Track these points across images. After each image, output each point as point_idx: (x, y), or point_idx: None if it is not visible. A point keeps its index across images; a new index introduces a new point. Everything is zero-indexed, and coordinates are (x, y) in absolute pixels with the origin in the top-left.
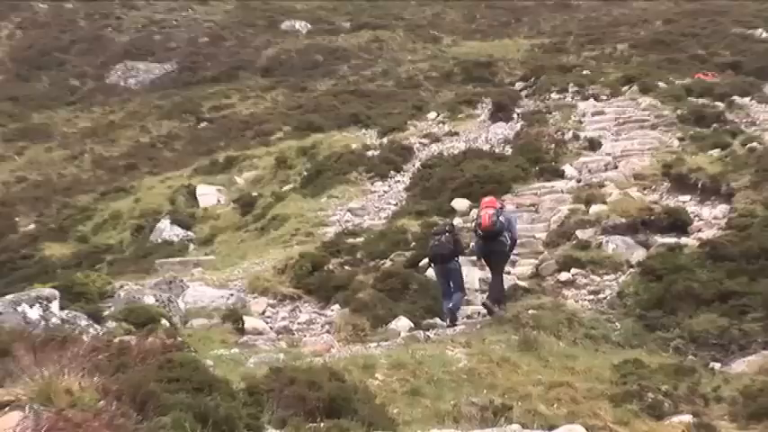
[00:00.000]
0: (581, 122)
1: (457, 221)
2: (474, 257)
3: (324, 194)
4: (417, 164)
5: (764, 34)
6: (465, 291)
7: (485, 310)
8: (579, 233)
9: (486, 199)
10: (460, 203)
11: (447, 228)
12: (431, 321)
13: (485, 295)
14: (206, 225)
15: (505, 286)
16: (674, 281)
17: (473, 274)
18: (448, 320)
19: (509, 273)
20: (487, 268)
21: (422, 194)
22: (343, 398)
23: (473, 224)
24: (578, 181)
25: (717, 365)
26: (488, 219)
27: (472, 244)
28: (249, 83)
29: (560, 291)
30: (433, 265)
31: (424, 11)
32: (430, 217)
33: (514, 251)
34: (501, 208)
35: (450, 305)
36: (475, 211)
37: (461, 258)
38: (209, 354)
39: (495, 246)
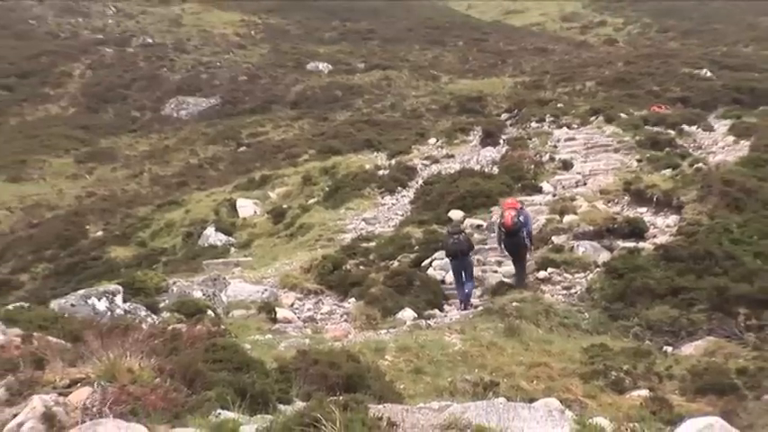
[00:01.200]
0: (556, 147)
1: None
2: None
3: (342, 206)
4: (420, 181)
5: (708, 74)
6: (474, 281)
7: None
8: (555, 239)
9: (509, 200)
10: (456, 214)
11: (461, 229)
12: (431, 312)
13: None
14: (244, 232)
15: (493, 283)
16: (633, 278)
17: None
18: (463, 305)
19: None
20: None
21: (424, 207)
22: (358, 376)
23: (498, 221)
24: (554, 195)
25: (669, 349)
26: (510, 219)
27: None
28: (280, 114)
29: (539, 286)
30: (451, 259)
31: (426, 54)
32: (431, 225)
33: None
34: (521, 208)
35: (466, 291)
36: (490, 212)
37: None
38: (247, 339)
39: (516, 240)
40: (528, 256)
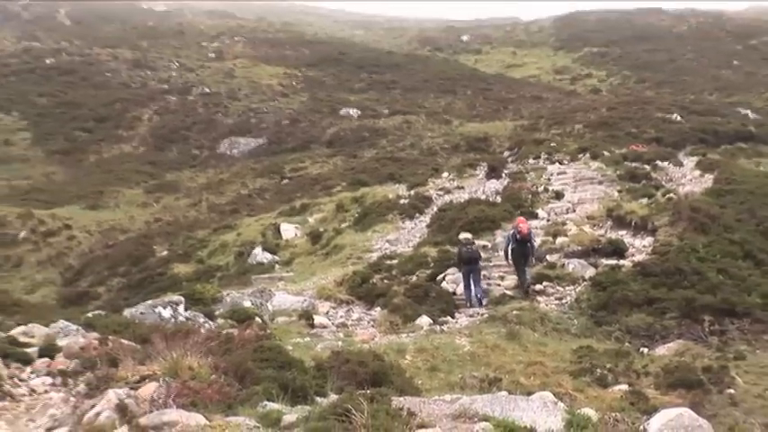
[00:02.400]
0: (549, 180)
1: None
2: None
3: (369, 230)
4: (435, 209)
5: (678, 118)
6: (482, 288)
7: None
8: (548, 257)
9: (521, 218)
10: (465, 235)
11: (473, 242)
12: (444, 319)
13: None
14: (287, 251)
15: (497, 294)
16: (614, 290)
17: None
18: (477, 306)
19: (500, 283)
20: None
21: (438, 230)
22: (383, 372)
23: (512, 233)
24: (548, 220)
25: (645, 350)
26: (526, 229)
27: (500, 241)
28: (317, 152)
29: (535, 297)
30: (463, 265)
31: (440, 101)
32: (444, 246)
33: (502, 268)
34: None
35: (479, 295)
36: (494, 235)
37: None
38: (289, 341)
39: (524, 249)
40: (530, 262)
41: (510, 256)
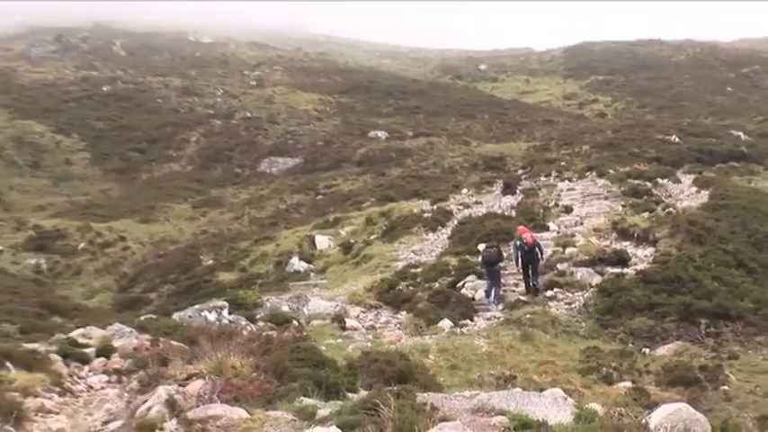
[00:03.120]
0: (559, 195)
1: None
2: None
3: (396, 241)
4: (455, 222)
5: (677, 139)
6: (501, 284)
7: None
8: (559, 266)
9: (521, 227)
10: (482, 246)
11: (495, 245)
12: (464, 322)
13: (538, 282)
14: (321, 261)
15: (512, 300)
16: (619, 296)
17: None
18: (500, 305)
19: (514, 289)
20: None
21: (458, 241)
22: (408, 371)
23: (518, 243)
24: (558, 233)
25: (647, 350)
26: (531, 238)
27: (511, 251)
28: (348, 170)
29: (547, 302)
30: (485, 265)
31: (460, 125)
32: (464, 256)
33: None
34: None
35: (500, 293)
36: (508, 246)
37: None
38: (323, 342)
39: (532, 255)
40: (538, 268)
41: (519, 263)
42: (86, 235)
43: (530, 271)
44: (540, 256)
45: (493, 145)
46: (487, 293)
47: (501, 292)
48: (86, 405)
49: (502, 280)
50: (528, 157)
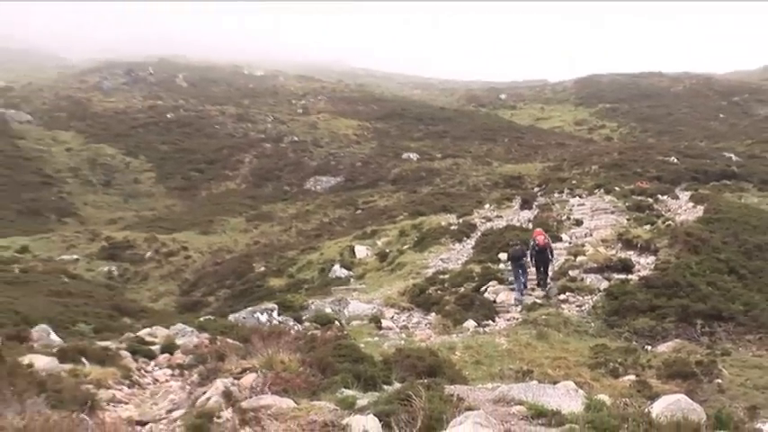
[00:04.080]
0: (571, 210)
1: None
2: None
3: (426, 251)
4: (479, 233)
5: (675, 160)
6: (527, 276)
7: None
8: (570, 272)
9: (537, 230)
10: (503, 255)
11: (519, 243)
12: (486, 322)
13: (550, 282)
14: (360, 268)
15: (529, 302)
16: (624, 299)
17: (508, 295)
18: (520, 293)
19: (530, 293)
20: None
21: (481, 251)
22: (437, 365)
23: (532, 243)
24: (570, 243)
25: (649, 347)
26: (543, 240)
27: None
28: (384, 188)
29: (560, 305)
30: (512, 261)
31: (482, 147)
32: (486, 263)
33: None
34: (545, 237)
35: (524, 286)
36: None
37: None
38: (362, 340)
39: (544, 256)
40: (549, 268)
41: (532, 261)
42: (152, 245)
43: (542, 269)
44: (550, 256)
45: (512, 165)
46: (519, 287)
47: (526, 282)
48: (152, 396)
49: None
50: (543, 176)
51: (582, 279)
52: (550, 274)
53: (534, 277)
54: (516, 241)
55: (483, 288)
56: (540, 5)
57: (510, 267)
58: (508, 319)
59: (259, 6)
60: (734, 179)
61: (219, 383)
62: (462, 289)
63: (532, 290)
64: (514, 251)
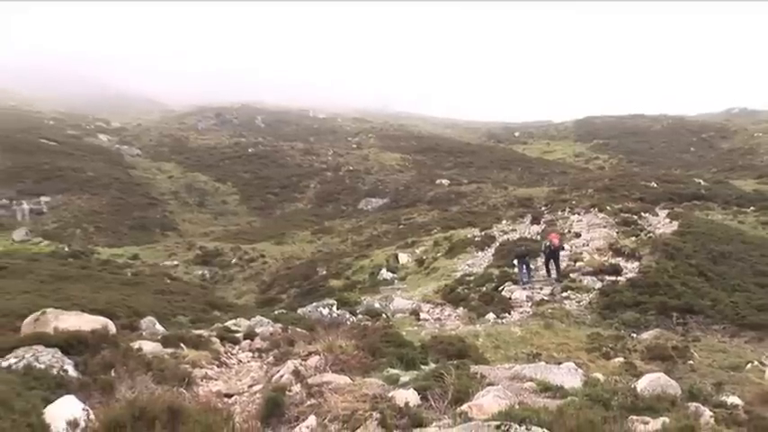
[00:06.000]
0: (571, 225)
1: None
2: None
3: (455, 257)
4: (497, 243)
5: (655, 185)
6: (531, 269)
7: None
8: (571, 275)
9: (553, 234)
10: (516, 261)
11: (525, 244)
12: (503, 315)
13: (554, 275)
14: (402, 271)
15: (539, 298)
16: (614, 296)
17: (520, 293)
18: (526, 286)
19: (541, 290)
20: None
21: (499, 257)
22: (464, 349)
23: (548, 243)
24: (570, 251)
25: (634, 335)
26: (558, 241)
27: (540, 264)
28: (421, 207)
29: (563, 301)
30: (519, 259)
31: (500, 175)
32: (503, 268)
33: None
34: (560, 239)
35: (531, 278)
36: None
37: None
38: (404, 329)
39: (555, 254)
40: (559, 264)
41: (544, 256)
42: (237, 253)
43: (551, 264)
44: (560, 254)
45: (524, 189)
46: (523, 278)
47: (531, 275)
48: (237, 374)
49: (529, 285)
50: (549, 198)
51: (580, 280)
52: (561, 267)
53: (541, 273)
54: (522, 245)
55: (501, 288)
56: (543, 56)
57: (516, 264)
58: (521, 313)
59: (321, 63)
60: (702, 200)
61: (290, 364)
62: (484, 288)
63: (540, 288)
64: (519, 251)
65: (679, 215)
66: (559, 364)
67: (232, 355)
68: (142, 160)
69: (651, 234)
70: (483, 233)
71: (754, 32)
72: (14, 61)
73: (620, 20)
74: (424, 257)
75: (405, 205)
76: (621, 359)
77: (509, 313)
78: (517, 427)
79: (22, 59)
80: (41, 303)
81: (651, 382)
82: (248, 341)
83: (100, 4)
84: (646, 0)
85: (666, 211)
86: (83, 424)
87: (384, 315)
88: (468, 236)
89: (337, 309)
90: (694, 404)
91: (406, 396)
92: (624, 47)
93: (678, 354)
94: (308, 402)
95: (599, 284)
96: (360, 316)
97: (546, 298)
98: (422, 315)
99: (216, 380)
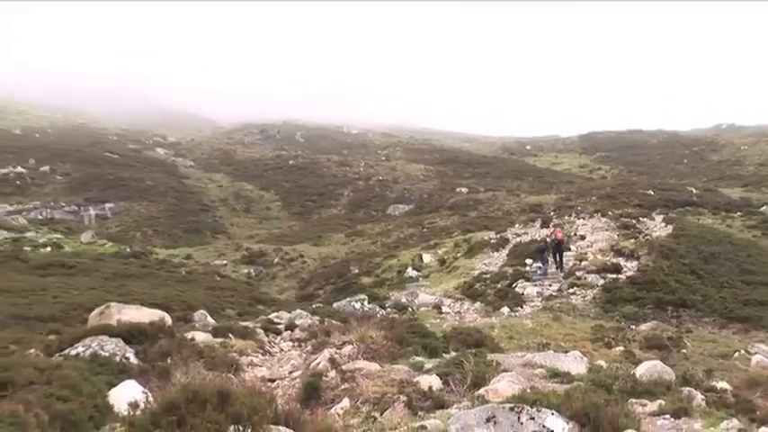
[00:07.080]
0: (577, 228)
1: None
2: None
3: (474, 258)
4: (511, 245)
5: (652, 192)
6: (548, 263)
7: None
8: (577, 273)
9: (558, 229)
10: (529, 261)
11: (543, 241)
12: (516, 308)
13: (559, 269)
14: (426, 270)
15: (548, 293)
16: (615, 292)
17: (532, 289)
18: (543, 277)
19: (550, 286)
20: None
21: (513, 257)
22: (481, 339)
23: (551, 238)
24: (576, 252)
25: (633, 327)
26: (562, 235)
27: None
28: (443, 213)
29: (569, 296)
30: (536, 252)
31: (513, 184)
32: (516, 267)
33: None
34: (563, 233)
35: (545, 270)
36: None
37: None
38: (427, 321)
39: (560, 248)
40: (563, 258)
41: (549, 250)
42: (279, 253)
43: (557, 257)
44: (563, 247)
45: (534, 196)
46: (540, 269)
47: (546, 269)
48: (279, 361)
49: (539, 282)
50: (557, 204)
51: (585, 278)
52: (565, 261)
53: (551, 271)
54: (539, 243)
55: (514, 284)
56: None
57: (540, 257)
58: (532, 307)
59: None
60: (694, 206)
61: (326, 352)
62: (499, 285)
63: (549, 285)
64: (538, 247)
65: (673, 219)
66: (566, 352)
67: (275, 344)
68: (195, 171)
69: (648, 236)
70: (498, 236)
71: (741, 53)
72: (81, 82)
73: (620, 22)
74: (446, 257)
75: (428, 211)
76: (622, 348)
77: (521, 307)
78: (529, 408)
79: (88, 81)
80: (106, 298)
81: (649, 368)
82: (289, 332)
83: (161, 32)
84: (645, 14)
85: (662, 216)
86: (142, 405)
87: (410, 309)
88: (485, 238)
89: (368, 303)
90: (687, 388)
91: (430, 381)
92: (624, 58)
93: (673, 343)
94: (343, 386)
95: (602, 281)
96: (388, 309)
97: (554, 293)
98: (443, 309)
99: (260, 366)
